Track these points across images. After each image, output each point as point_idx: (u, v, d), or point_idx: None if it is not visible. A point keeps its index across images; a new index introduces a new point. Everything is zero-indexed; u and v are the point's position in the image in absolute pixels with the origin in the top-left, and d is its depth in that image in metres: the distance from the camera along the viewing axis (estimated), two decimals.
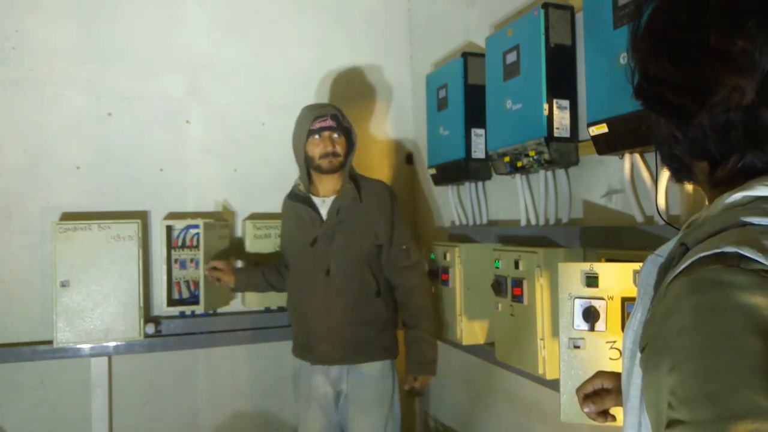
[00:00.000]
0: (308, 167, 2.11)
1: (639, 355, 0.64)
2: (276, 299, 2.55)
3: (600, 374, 1.00)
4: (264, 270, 2.31)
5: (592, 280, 1.33)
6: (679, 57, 0.63)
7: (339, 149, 2.06)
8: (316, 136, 2.05)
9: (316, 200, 2.12)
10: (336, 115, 2.08)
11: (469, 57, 2.12)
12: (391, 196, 2.14)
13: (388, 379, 2.11)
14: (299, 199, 2.14)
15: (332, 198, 2.09)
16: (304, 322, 2.12)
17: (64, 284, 2.19)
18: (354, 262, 2.06)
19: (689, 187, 1.33)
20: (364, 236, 2.07)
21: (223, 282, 2.29)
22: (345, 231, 2.06)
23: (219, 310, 2.54)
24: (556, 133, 1.63)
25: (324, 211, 2.09)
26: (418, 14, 2.88)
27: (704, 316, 0.53)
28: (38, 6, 2.35)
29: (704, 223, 0.62)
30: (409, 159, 2.95)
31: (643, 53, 0.68)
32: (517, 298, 1.69)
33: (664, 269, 0.67)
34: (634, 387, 0.67)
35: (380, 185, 2.17)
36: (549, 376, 1.60)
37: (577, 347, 1.33)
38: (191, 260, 2.43)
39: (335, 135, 2.07)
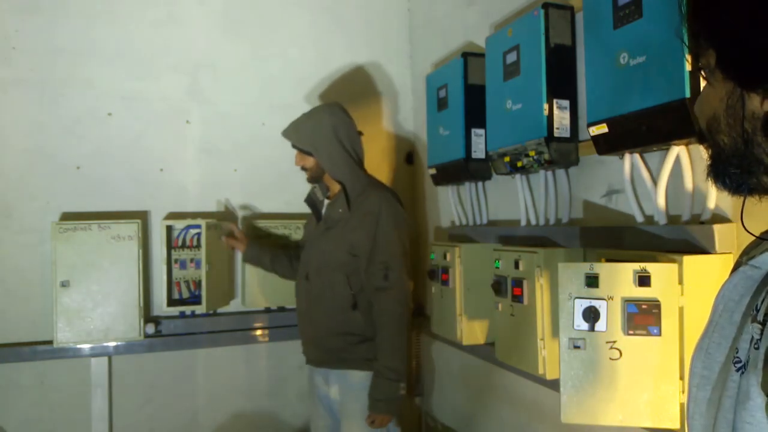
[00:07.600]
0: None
1: (737, 379, 0.58)
2: (276, 299, 2.55)
3: None
4: (275, 253, 2.35)
5: (592, 280, 1.32)
6: None
7: None
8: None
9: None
10: None
11: (469, 57, 2.12)
12: (381, 210, 1.98)
13: None
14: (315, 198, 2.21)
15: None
16: (299, 322, 2.19)
17: (64, 284, 2.19)
18: (328, 270, 2.02)
19: (690, 187, 1.33)
20: (339, 245, 2.01)
21: (234, 248, 2.38)
22: (328, 237, 2.06)
23: (219, 310, 2.54)
24: (556, 133, 1.63)
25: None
26: (418, 14, 2.88)
27: None
28: (38, 6, 2.35)
29: None
30: (409, 159, 2.95)
31: (738, 23, 0.58)
32: (517, 298, 1.69)
33: (764, 281, 0.61)
34: (724, 424, 0.59)
35: (376, 197, 2.01)
36: (549, 376, 1.60)
37: (577, 347, 1.33)
38: (191, 260, 2.43)
39: None
